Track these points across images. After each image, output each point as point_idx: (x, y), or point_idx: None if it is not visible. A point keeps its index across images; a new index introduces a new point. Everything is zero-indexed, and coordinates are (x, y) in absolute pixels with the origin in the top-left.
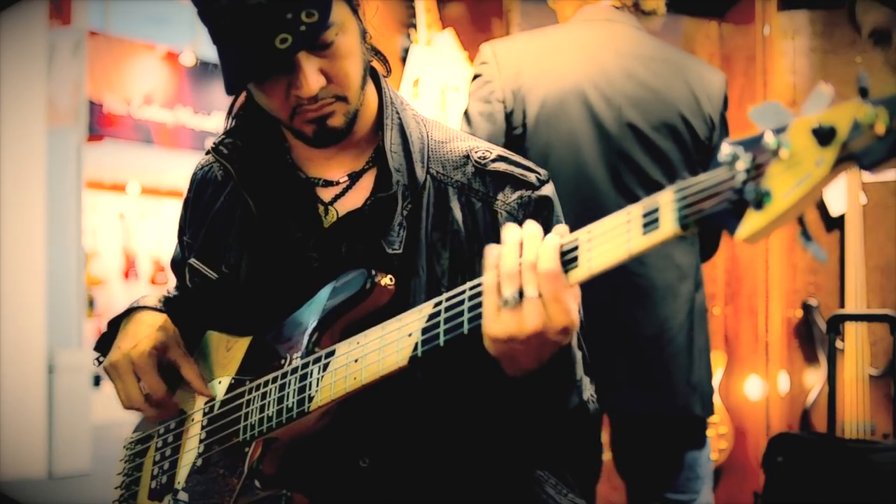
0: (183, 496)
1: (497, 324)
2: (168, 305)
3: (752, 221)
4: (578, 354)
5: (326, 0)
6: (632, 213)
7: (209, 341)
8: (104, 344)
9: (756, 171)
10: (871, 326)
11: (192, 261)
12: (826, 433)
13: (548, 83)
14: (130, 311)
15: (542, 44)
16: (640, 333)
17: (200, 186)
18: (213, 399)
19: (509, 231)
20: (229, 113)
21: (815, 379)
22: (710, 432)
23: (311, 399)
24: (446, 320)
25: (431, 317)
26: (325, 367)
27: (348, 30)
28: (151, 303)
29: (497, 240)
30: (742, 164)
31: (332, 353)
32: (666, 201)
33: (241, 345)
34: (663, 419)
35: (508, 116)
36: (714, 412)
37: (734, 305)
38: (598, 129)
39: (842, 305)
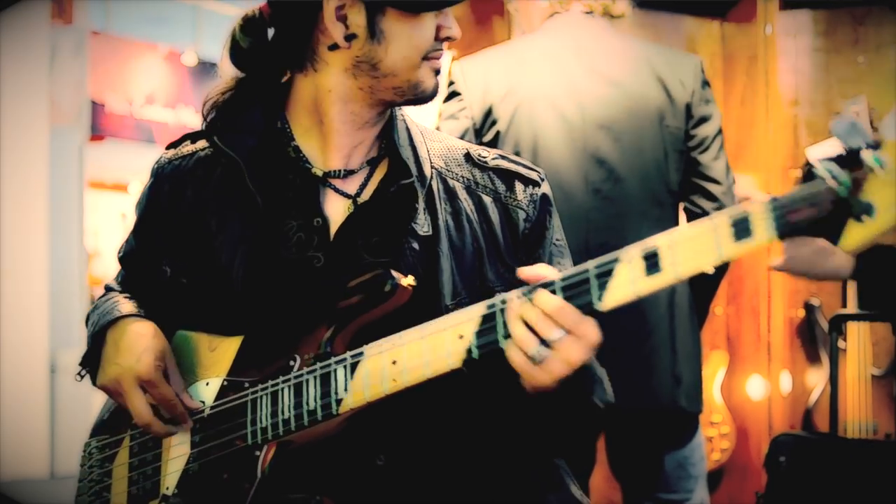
0: (175, 501)
1: (539, 374)
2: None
3: (856, 233)
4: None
5: None
6: (717, 222)
7: (185, 341)
8: (91, 358)
9: (853, 185)
10: (873, 326)
11: (176, 259)
12: (828, 433)
13: (516, 94)
14: (114, 321)
15: (509, 56)
16: (619, 326)
17: (174, 180)
18: (201, 401)
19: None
20: (213, 106)
21: (817, 379)
22: (711, 432)
23: (339, 402)
24: (506, 323)
25: (486, 318)
26: (353, 368)
27: None
28: (132, 309)
29: (513, 234)
30: (840, 179)
31: (359, 355)
32: (757, 210)
33: (229, 345)
34: (651, 415)
35: (478, 132)
36: (703, 408)
37: (736, 305)
38: (565, 129)
39: (844, 305)
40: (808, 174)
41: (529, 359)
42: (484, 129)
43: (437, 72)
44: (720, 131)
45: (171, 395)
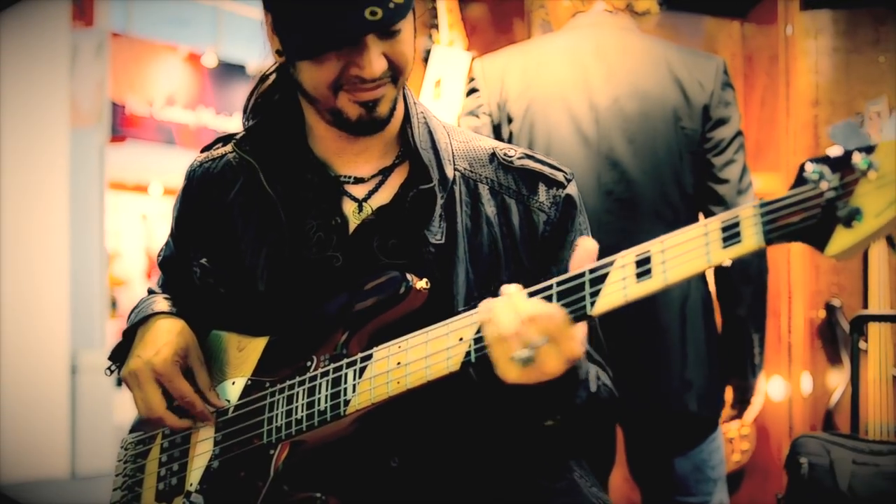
0: (197, 498)
1: (514, 371)
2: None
3: (842, 238)
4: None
5: None
6: (709, 227)
7: (217, 341)
8: (120, 353)
9: (843, 189)
10: (894, 327)
11: (205, 260)
12: (849, 434)
13: (531, 93)
14: (146, 318)
15: (528, 55)
16: (631, 327)
17: (204, 182)
18: (226, 400)
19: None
20: (245, 111)
21: (838, 380)
22: (731, 433)
23: (347, 403)
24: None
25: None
26: (362, 371)
27: (410, 21)
28: (166, 308)
29: (532, 236)
30: (829, 182)
31: (368, 357)
32: (747, 215)
33: (256, 345)
34: (665, 418)
35: (496, 129)
36: (718, 412)
37: None
38: (579, 129)
39: (865, 306)
40: (800, 177)
41: (516, 360)
42: (501, 126)
43: (364, 103)
44: (738, 134)
45: (187, 392)
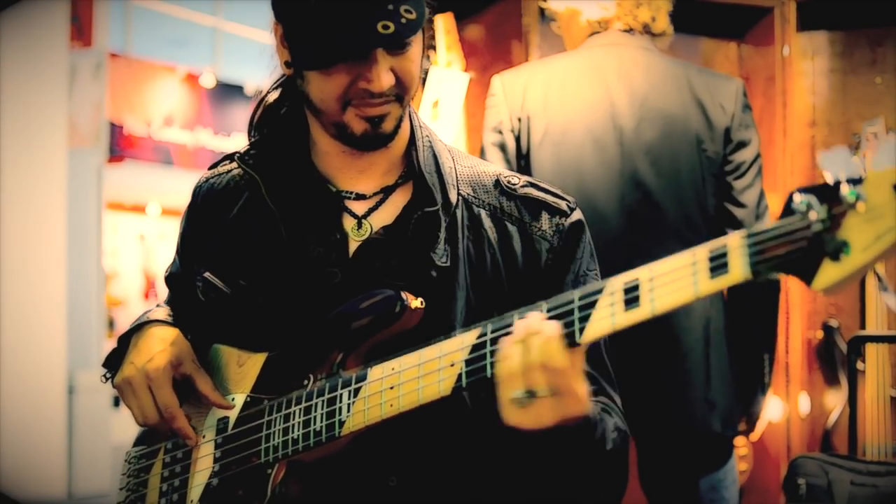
0: None
1: (514, 415)
2: (175, 319)
3: (829, 272)
4: (596, 408)
5: (421, 3)
6: (697, 256)
7: (218, 356)
8: (114, 360)
9: (831, 221)
10: (891, 347)
11: (207, 274)
12: (847, 455)
13: (552, 110)
14: (140, 326)
15: (549, 71)
16: (654, 349)
17: (209, 199)
18: (226, 417)
19: (517, 325)
20: (250, 126)
21: (835, 400)
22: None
23: (341, 424)
24: (494, 353)
25: (476, 347)
26: (357, 392)
27: (419, 40)
28: (161, 316)
29: (534, 264)
30: (817, 214)
31: (363, 378)
32: (735, 245)
33: (256, 361)
34: (684, 438)
35: (518, 144)
36: (739, 432)
37: None
38: (602, 149)
39: (862, 326)
40: (787, 208)
41: (513, 400)
42: (521, 143)
43: (370, 119)
44: (758, 156)
45: (171, 403)
